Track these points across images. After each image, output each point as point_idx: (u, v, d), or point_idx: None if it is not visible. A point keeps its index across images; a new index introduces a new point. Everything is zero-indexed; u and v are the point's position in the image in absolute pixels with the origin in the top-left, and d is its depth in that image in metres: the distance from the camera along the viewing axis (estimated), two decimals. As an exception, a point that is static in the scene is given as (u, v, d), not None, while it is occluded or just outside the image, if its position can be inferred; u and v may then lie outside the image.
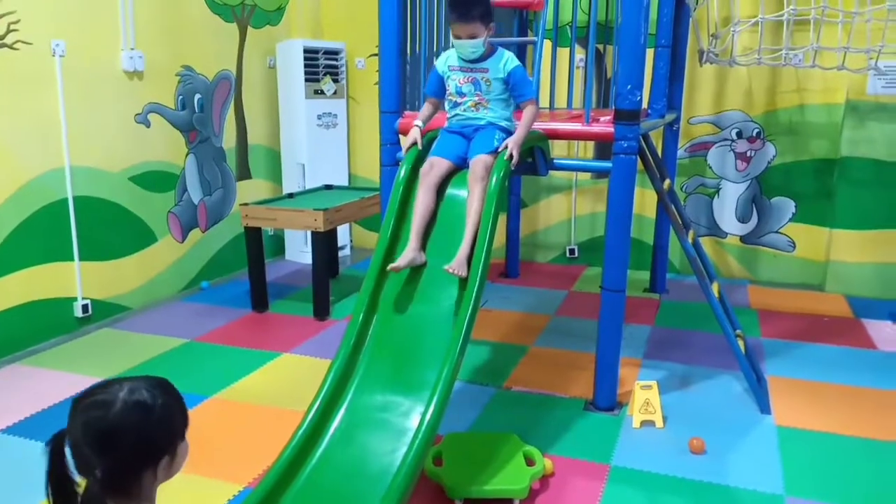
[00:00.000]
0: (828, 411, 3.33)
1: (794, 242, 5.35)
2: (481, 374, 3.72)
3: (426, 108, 3.09)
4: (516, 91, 2.93)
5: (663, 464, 2.87)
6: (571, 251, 5.86)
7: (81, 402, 1.29)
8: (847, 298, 5.01)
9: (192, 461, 3.01)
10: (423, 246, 2.80)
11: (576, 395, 3.48)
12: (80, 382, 3.54)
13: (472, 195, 2.79)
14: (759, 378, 3.46)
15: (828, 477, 2.81)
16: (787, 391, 3.54)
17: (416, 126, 3.03)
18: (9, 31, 3.73)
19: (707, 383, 3.63)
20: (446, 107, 3.04)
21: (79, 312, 4.23)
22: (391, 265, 2.71)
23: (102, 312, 4.41)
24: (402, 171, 2.95)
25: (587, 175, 5.67)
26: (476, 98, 2.92)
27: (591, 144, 5.55)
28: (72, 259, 4.18)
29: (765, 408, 3.34)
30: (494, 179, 2.78)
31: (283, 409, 3.27)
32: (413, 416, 2.41)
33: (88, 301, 4.28)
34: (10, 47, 3.75)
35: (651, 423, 3.17)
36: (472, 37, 2.81)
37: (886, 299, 4.94)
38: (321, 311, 4.56)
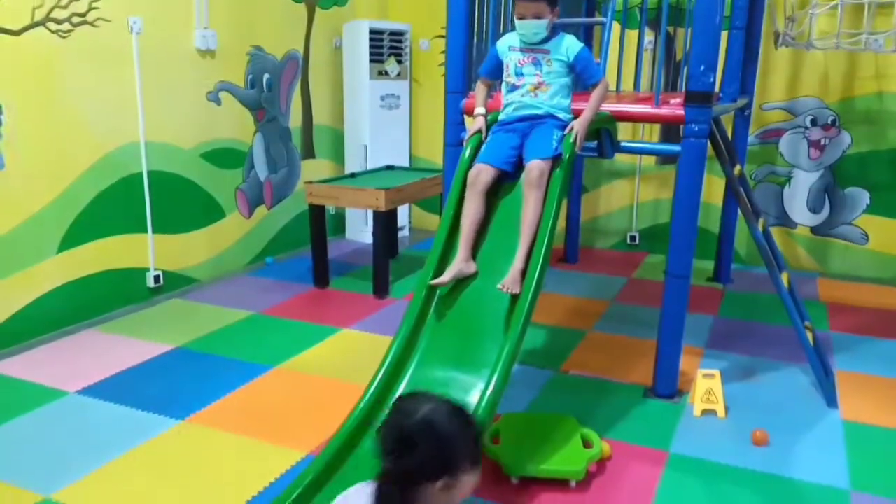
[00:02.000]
0: (898, 408, 3.23)
1: (867, 235, 5.16)
2: (538, 357, 3.71)
3: (481, 90, 3.03)
4: (586, 74, 2.85)
5: (724, 453, 2.83)
6: (632, 238, 5.78)
7: (398, 402, 1.56)
8: (923, 294, 4.82)
9: (257, 427, 3.10)
10: (473, 255, 2.73)
11: (635, 381, 3.45)
12: (151, 349, 3.72)
13: (526, 204, 2.68)
14: (826, 371, 3.37)
15: (895, 474, 2.73)
16: (854, 386, 3.43)
17: (480, 115, 2.98)
18: (90, 9, 3.86)
19: (772, 375, 3.55)
20: (503, 90, 2.96)
21: (151, 283, 4.39)
22: (433, 280, 2.65)
23: (173, 284, 4.57)
24: (467, 152, 2.94)
25: (651, 160, 5.56)
26: (536, 80, 2.82)
27: (656, 129, 5.45)
28: (145, 231, 4.34)
29: (832, 402, 3.25)
30: (559, 167, 2.72)
31: (343, 382, 3.34)
32: (473, 393, 2.42)
33: (160, 272, 4.44)
34: (91, 24, 3.88)
35: (712, 412, 3.12)
36: (537, 16, 2.73)
37: (965, 296, 4.74)
38: (381, 289, 4.62)
